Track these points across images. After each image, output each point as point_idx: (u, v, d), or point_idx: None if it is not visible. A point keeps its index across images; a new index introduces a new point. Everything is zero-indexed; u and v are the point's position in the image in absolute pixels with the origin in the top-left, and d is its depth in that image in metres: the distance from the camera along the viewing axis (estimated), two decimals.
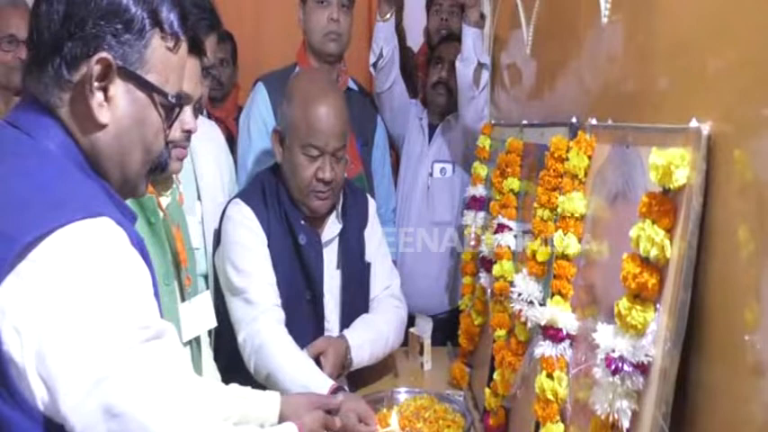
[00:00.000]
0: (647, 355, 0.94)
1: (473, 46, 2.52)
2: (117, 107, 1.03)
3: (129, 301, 0.95)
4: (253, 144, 2.55)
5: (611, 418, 0.97)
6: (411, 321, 2.38)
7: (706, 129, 0.91)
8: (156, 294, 1.02)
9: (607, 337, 0.99)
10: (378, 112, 2.83)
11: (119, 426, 0.92)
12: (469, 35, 2.52)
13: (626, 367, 0.94)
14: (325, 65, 2.62)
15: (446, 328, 2.57)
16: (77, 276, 0.90)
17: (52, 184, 0.97)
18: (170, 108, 1.10)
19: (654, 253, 0.94)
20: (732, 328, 0.88)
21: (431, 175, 2.80)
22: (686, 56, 1.03)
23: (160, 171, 1.21)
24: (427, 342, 2.36)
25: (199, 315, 1.61)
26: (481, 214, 2.35)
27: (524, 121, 1.95)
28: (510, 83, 2.37)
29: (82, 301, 0.90)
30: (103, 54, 1.00)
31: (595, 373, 0.99)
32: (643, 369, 0.94)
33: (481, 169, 2.40)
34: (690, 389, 0.94)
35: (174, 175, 1.61)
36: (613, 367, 0.95)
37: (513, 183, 1.90)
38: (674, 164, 0.92)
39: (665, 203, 0.95)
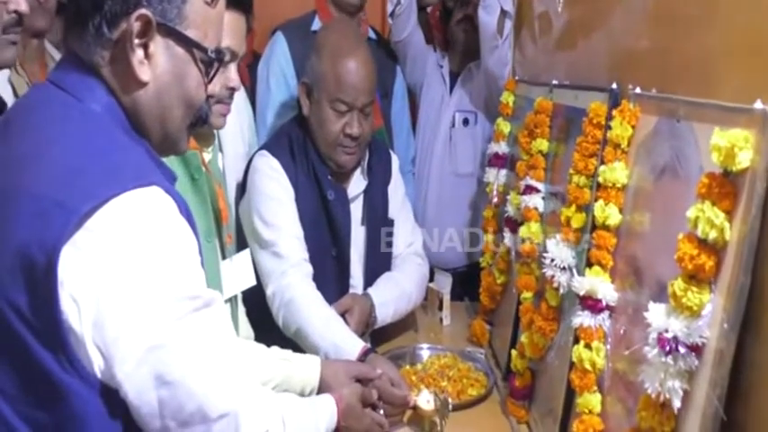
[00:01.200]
0: (701, 337, 0.94)
1: None
2: (157, 64, 1.03)
3: (180, 271, 0.97)
4: (272, 96, 2.52)
5: (661, 398, 0.98)
6: (430, 276, 2.39)
7: None
8: (201, 260, 1.03)
9: (659, 317, 0.98)
10: (396, 62, 2.79)
11: (169, 392, 0.95)
12: None
13: (680, 348, 0.94)
14: (345, 15, 2.57)
15: (464, 283, 2.59)
16: (131, 247, 0.92)
17: (104, 151, 0.98)
18: (209, 63, 1.10)
19: (713, 235, 0.93)
20: None
21: (453, 125, 2.77)
22: (750, 31, 1.00)
23: (201, 124, 1.21)
24: (447, 297, 2.38)
25: (239, 273, 1.61)
26: (503, 171, 2.34)
27: (554, 81, 1.92)
28: (537, 38, 2.32)
29: (136, 272, 0.92)
30: (143, 11, 0.99)
31: (647, 352, 0.99)
32: (697, 350, 0.95)
33: (504, 126, 2.37)
34: (744, 370, 0.94)
35: (220, 134, 1.59)
36: (667, 348, 0.95)
37: (542, 144, 1.88)
38: (737, 146, 0.91)
39: (725, 185, 0.94)
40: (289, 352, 1.57)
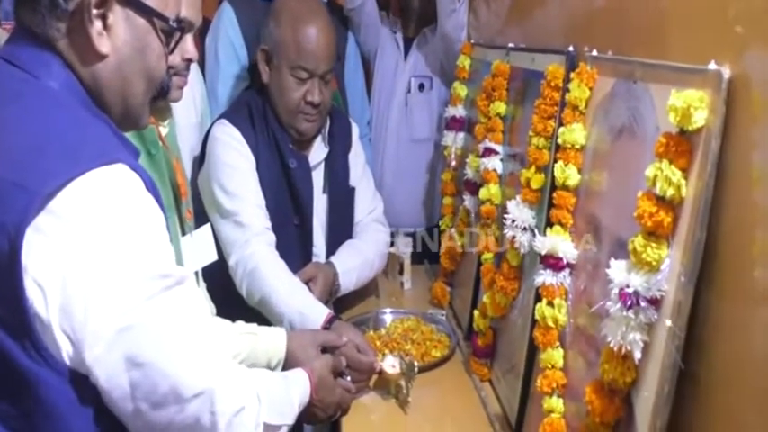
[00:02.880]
0: (660, 290, 0.98)
1: None
2: (117, 35, 1.00)
3: (150, 250, 0.94)
4: (221, 67, 2.47)
5: (623, 350, 1.02)
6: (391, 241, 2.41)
7: (727, 72, 0.93)
8: (170, 237, 1.01)
9: (621, 273, 1.02)
10: (347, 26, 2.77)
11: (141, 374, 0.93)
12: None
13: (641, 302, 0.98)
14: None
15: (423, 246, 2.62)
16: (97, 228, 0.89)
17: (64, 129, 0.94)
18: (170, 33, 1.07)
19: (670, 192, 0.97)
20: (742, 263, 0.92)
21: (409, 91, 2.77)
22: None
23: (162, 97, 1.18)
24: (407, 262, 2.41)
25: (200, 248, 1.60)
26: (461, 135, 2.36)
27: (510, 44, 1.94)
28: (492, 1, 2.33)
29: (103, 253, 0.89)
30: None
31: (608, 306, 1.03)
32: (656, 303, 0.99)
33: (461, 89, 2.39)
34: (700, 321, 0.98)
35: (171, 104, 1.56)
36: (628, 302, 0.99)
37: (500, 107, 1.90)
38: (693, 106, 0.94)
39: (682, 144, 0.97)
40: (254, 325, 1.58)
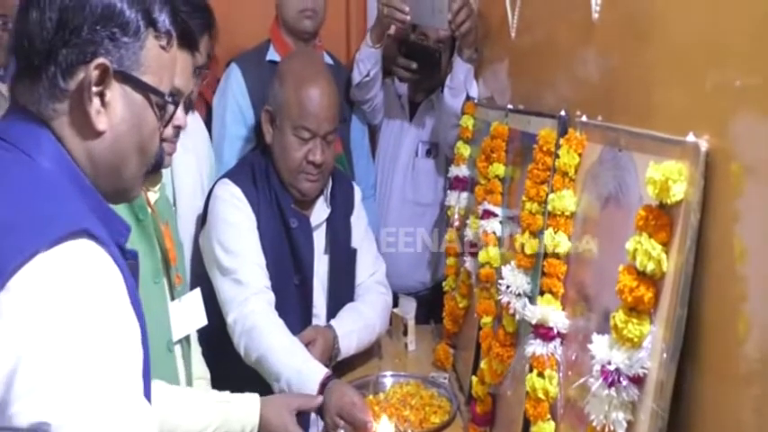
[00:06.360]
0: (642, 368, 0.95)
1: (464, 80, 2.46)
2: (114, 112, 1.00)
3: (105, 338, 0.86)
4: (228, 130, 2.49)
5: (606, 429, 0.98)
6: (394, 301, 2.38)
7: (704, 144, 0.91)
8: (137, 304, 0.94)
9: (602, 349, 0.99)
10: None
11: None
12: (462, 70, 2.44)
13: (622, 380, 0.95)
14: (299, 42, 2.57)
15: (429, 306, 2.59)
16: (53, 310, 0.83)
17: (38, 204, 0.92)
18: (164, 107, 1.08)
19: (650, 267, 0.94)
20: (726, 341, 0.89)
21: (416, 155, 2.76)
22: (683, 67, 1.02)
23: (156, 170, 1.18)
24: (411, 323, 2.38)
25: (189, 314, 1.59)
26: (465, 194, 2.35)
27: (509, 105, 1.94)
28: (494, 62, 2.34)
29: (54, 336, 0.82)
30: (101, 60, 0.96)
31: (591, 383, 1.00)
32: (638, 381, 0.95)
33: (464, 149, 2.38)
34: (683, 398, 0.95)
35: (176, 169, 1.57)
36: (610, 380, 0.96)
37: (499, 168, 1.89)
38: (671, 179, 0.92)
39: (661, 218, 0.95)
40: (227, 393, 1.57)
